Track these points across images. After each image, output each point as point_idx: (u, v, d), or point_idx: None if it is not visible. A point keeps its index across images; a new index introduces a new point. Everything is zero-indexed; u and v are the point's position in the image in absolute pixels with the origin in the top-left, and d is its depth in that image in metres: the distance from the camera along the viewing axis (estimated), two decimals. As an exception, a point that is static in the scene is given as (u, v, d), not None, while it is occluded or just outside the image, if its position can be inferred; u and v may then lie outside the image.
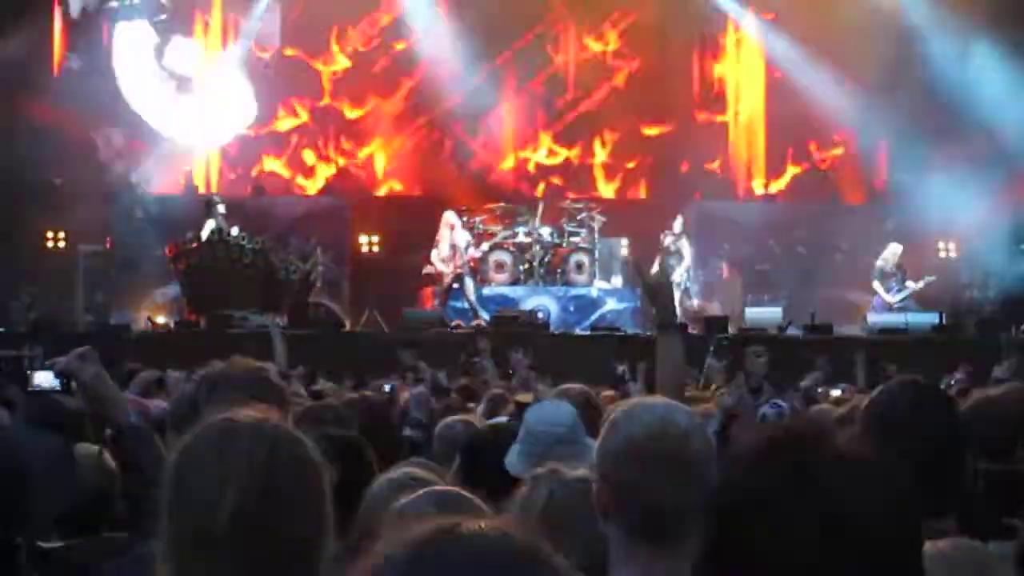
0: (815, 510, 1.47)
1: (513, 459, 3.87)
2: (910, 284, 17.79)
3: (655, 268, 4.00)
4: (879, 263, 17.92)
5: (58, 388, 3.33)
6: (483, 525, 1.38)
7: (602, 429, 2.69)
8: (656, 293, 4.19)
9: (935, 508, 2.69)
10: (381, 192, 20.85)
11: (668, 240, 18.07)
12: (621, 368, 9.73)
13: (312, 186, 20.80)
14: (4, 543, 2.65)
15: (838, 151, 21.11)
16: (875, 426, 2.87)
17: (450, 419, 5.61)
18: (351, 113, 20.75)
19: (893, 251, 17.92)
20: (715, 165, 21.08)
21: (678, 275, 17.80)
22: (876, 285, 17.86)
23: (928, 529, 2.61)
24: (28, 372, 3.39)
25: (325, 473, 2.03)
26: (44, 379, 3.34)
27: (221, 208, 17.27)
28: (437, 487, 2.93)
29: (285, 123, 20.69)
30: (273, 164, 20.72)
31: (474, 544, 1.36)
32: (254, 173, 20.58)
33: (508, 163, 21.12)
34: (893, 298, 17.74)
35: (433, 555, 1.35)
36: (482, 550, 1.36)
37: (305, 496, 1.99)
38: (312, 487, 2.01)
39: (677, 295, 17.64)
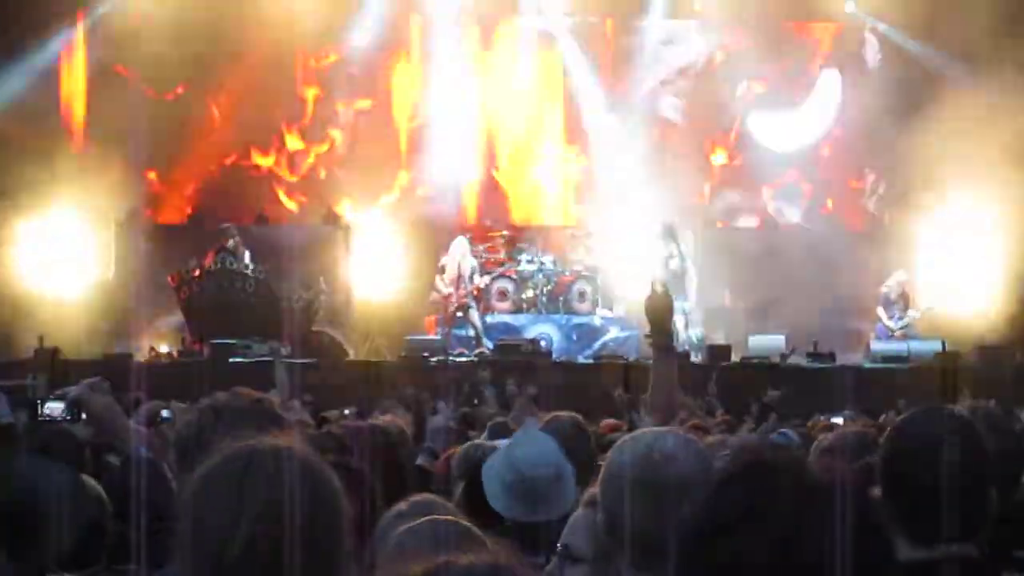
0: (770, 536, 1.48)
1: (505, 503, 3.90)
2: (912, 312, 17.82)
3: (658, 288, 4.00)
4: (884, 290, 17.94)
5: (66, 417, 3.34)
6: (473, 560, 1.39)
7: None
8: (655, 314, 4.18)
9: (958, 535, 2.70)
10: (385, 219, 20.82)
11: (674, 262, 18.01)
12: (617, 393, 9.72)
13: (315, 212, 20.74)
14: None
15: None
16: (898, 452, 2.88)
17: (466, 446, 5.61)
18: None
19: (898, 278, 17.95)
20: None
21: (687, 303, 17.81)
22: (879, 312, 17.89)
23: (952, 555, 2.63)
24: (37, 400, 3.39)
25: (343, 500, 2.03)
26: (53, 408, 3.35)
27: (231, 243, 17.31)
28: (436, 517, 2.93)
29: (287, 149, 20.68)
30: (278, 192, 20.70)
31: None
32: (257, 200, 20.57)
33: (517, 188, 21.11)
34: (895, 325, 17.76)
35: None
36: None
37: (323, 524, 1.97)
38: (330, 515, 1.99)
39: (682, 320, 17.64)
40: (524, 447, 4.06)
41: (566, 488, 3.94)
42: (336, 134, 20.64)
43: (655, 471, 2.52)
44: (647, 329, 4.34)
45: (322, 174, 20.57)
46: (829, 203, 21.14)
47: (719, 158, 20.92)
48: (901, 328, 17.78)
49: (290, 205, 20.57)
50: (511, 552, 1.44)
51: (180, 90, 19.93)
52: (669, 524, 2.40)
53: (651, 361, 4.09)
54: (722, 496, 1.56)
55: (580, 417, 5.09)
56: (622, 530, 2.50)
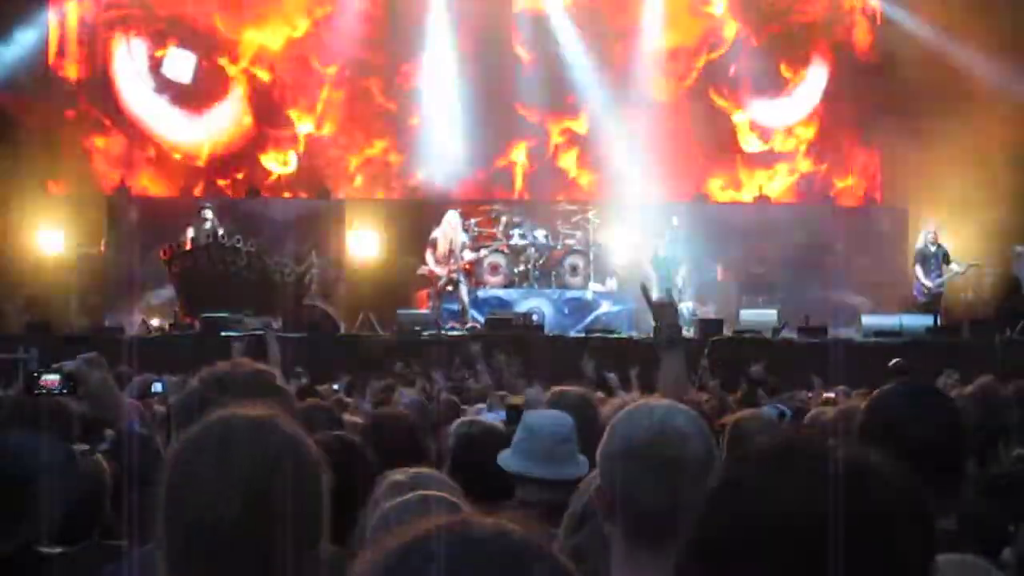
0: (765, 523, 1.47)
1: (509, 458, 3.91)
2: (955, 267, 17.52)
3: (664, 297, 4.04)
4: (919, 246, 17.78)
5: (62, 390, 3.32)
6: (485, 522, 1.38)
7: (605, 431, 2.68)
8: (662, 312, 4.17)
9: (935, 509, 2.70)
10: (377, 193, 20.80)
11: (664, 244, 17.98)
12: (610, 375, 9.70)
13: (307, 186, 20.71)
14: (7, 550, 2.64)
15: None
16: (873, 426, 2.88)
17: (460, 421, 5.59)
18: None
19: (927, 233, 17.68)
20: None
21: (679, 279, 17.79)
22: (917, 269, 17.68)
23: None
24: (34, 374, 3.36)
25: (323, 473, 2.02)
26: (49, 379, 3.33)
27: (207, 214, 17.28)
28: (424, 491, 2.93)
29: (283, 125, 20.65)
30: (269, 165, 20.66)
31: (475, 540, 1.36)
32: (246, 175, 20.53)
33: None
34: (932, 283, 17.53)
35: (434, 550, 1.34)
36: (484, 546, 1.35)
37: (304, 498, 1.96)
38: (311, 488, 1.98)
39: (674, 294, 17.64)
40: (542, 413, 4.18)
41: (575, 454, 3.95)
42: (327, 107, 20.60)
43: (670, 449, 2.49)
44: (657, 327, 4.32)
45: (318, 139, 20.54)
46: (822, 178, 21.14)
47: (712, 134, 20.90)
48: (939, 284, 17.53)
49: (282, 178, 20.56)
50: (522, 520, 1.42)
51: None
52: (680, 502, 2.39)
53: (659, 357, 4.05)
54: (729, 480, 1.55)
55: (589, 393, 5.07)
56: (627, 504, 2.48)
